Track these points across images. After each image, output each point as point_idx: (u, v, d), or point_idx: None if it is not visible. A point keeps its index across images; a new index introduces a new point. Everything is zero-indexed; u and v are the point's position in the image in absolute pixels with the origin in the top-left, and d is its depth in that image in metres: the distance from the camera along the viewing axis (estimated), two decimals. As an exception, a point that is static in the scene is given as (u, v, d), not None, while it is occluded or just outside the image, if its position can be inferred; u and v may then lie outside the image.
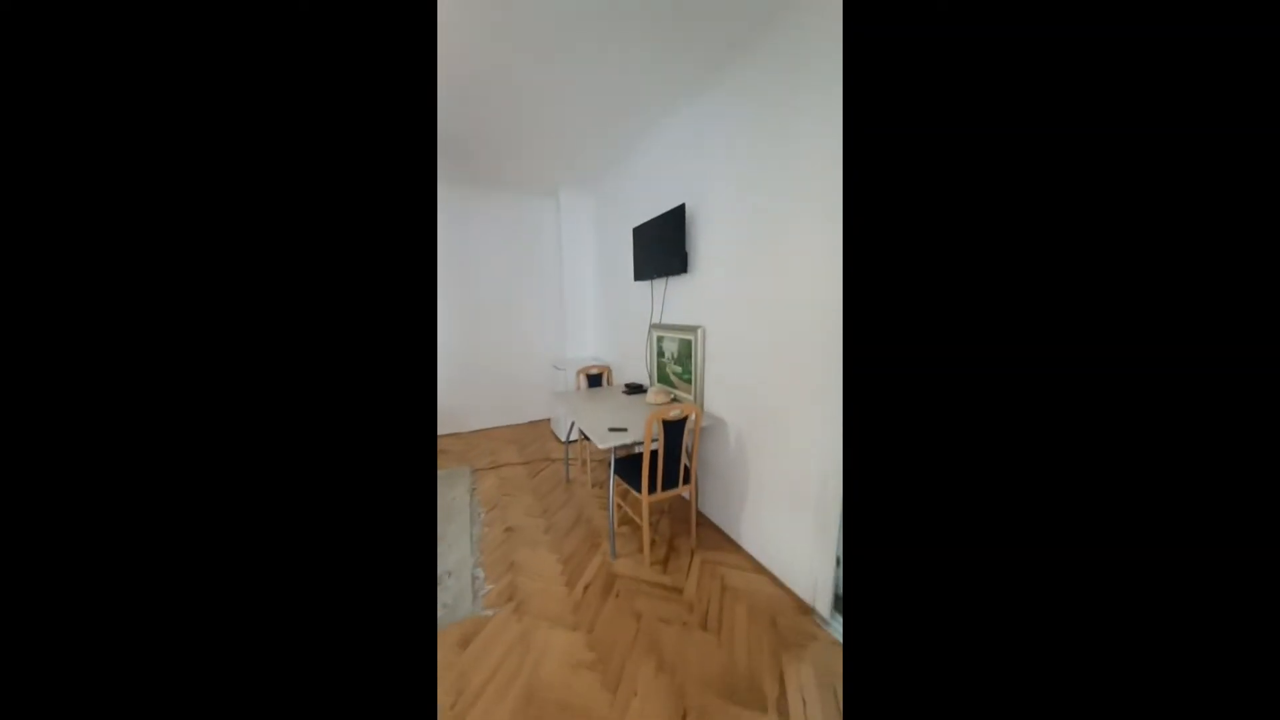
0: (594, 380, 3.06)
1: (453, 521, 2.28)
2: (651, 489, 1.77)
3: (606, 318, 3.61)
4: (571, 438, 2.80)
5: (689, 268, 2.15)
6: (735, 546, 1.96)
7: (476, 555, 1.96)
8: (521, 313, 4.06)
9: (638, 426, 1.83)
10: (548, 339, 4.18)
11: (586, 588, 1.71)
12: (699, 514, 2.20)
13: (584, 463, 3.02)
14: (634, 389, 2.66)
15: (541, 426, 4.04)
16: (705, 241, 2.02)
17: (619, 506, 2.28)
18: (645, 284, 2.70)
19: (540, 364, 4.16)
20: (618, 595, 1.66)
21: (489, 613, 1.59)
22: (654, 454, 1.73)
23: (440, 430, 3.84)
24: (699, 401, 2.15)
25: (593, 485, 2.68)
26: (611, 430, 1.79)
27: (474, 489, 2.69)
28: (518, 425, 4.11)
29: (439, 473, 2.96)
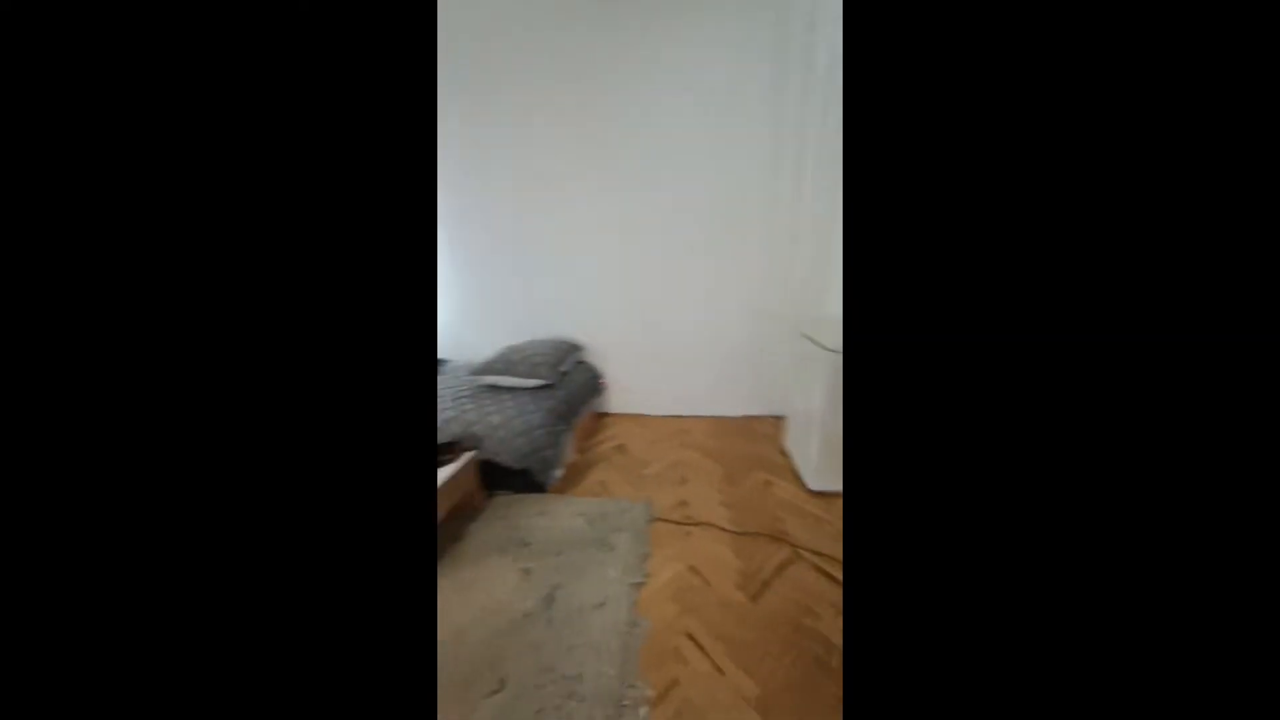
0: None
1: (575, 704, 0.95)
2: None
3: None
4: (827, 486, 1.17)
5: None
6: None
7: None
8: (740, 229, 2.39)
9: None
10: (787, 277, 2.42)
11: None
12: None
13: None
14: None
15: (763, 429, 2.48)
16: None
17: None
18: None
19: (773, 324, 2.49)
20: None
21: None
22: None
23: (618, 408, 2.72)
24: None
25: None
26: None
27: (641, 576, 1.40)
28: (726, 419, 2.66)
29: (599, 501, 1.78)
